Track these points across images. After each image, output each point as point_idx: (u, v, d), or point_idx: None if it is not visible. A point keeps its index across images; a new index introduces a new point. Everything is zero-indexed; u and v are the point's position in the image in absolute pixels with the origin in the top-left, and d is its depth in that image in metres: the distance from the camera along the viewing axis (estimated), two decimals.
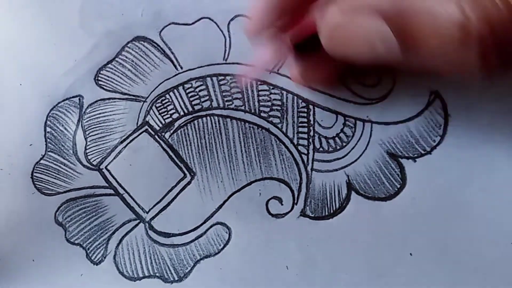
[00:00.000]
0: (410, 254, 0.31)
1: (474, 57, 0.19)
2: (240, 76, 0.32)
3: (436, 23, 0.19)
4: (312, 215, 0.32)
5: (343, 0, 0.22)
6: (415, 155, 0.31)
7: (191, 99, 0.33)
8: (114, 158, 0.33)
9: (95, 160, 0.33)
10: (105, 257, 0.33)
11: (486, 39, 0.18)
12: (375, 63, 0.23)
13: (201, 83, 0.33)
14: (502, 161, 0.31)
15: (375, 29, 0.21)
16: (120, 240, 0.33)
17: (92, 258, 0.33)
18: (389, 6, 0.20)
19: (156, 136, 0.33)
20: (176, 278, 0.32)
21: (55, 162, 0.33)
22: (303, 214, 0.32)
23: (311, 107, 0.32)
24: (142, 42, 0.33)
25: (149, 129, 0.33)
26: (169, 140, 0.33)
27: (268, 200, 0.32)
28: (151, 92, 0.33)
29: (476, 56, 0.19)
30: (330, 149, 0.32)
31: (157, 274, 0.32)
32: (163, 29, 0.33)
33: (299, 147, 0.32)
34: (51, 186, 0.33)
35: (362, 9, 0.21)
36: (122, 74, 0.33)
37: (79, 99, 0.34)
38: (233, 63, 0.33)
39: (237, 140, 0.33)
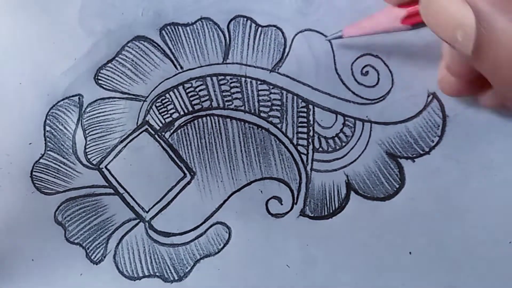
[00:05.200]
0: (410, 253, 0.31)
1: None
2: (347, 29, 0.31)
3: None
4: (312, 215, 0.32)
5: None
6: (414, 155, 0.32)
7: (191, 98, 0.33)
8: (114, 157, 0.33)
9: (95, 159, 0.33)
10: (104, 257, 0.33)
11: None
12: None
13: (201, 83, 0.33)
14: (499, 161, 0.31)
15: (463, 16, 0.21)
16: (120, 240, 0.33)
17: (92, 257, 0.33)
18: (485, 7, 0.20)
19: (156, 136, 0.33)
20: (176, 278, 0.32)
21: (54, 161, 0.33)
22: (302, 213, 0.32)
23: (310, 107, 0.32)
24: (142, 42, 0.33)
25: (149, 129, 0.33)
26: (169, 139, 0.33)
27: (268, 200, 0.32)
28: (151, 92, 0.33)
29: None
30: (330, 149, 0.32)
31: (157, 274, 0.32)
32: (163, 28, 0.33)
33: (299, 147, 0.32)
34: (50, 185, 0.33)
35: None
36: (122, 74, 0.33)
37: (79, 98, 0.33)
38: (233, 63, 0.33)
39: (237, 140, 0.33)
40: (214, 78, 0.33)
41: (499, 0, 0.20)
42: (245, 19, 0.33)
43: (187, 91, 0.33)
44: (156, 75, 0.33)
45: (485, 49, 0.21)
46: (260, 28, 0.33)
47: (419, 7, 0.25)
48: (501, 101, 0.28)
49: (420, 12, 0.25)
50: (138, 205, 0.33)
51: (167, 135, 0.33)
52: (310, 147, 0.32)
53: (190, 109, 0.33)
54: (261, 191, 0.32)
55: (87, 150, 0.33)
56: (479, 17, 0.21)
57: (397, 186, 0.32)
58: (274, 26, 0.33)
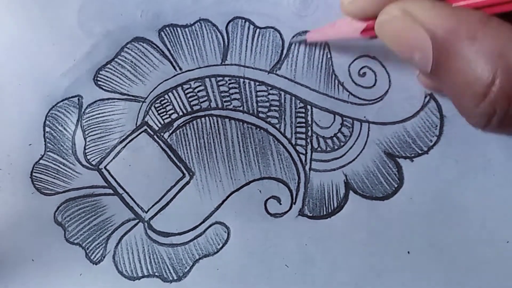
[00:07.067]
0: (408, 252, 0.31)
1: (479, 115, 0.21)
2: (310, 33, 0.32)
3: (467, 72, 0.20)
4: (311, 215, 0.32)
5: (409, 3, 0.23)
6: (412, 155, 0.32)
7: (190, 99, 0.33)
8: (113, 158, 0.33)
9: (94, 160, 0.33)
10: (104, 257, 0.33)
11: (497, 108, 0.20)
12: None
13: (200, 84, 0.33)
14: (497, 160, 0.31)
15: (420, 41, 0.22)
16: (119, 240, 0.33)
17: (92, 257, 0.33)
18: (441, 33, 0.21)
19: (155, 136, 0.33)
20: (175, 278, 0.32)
21: (54, 162, 0.33)
22: (301, 213, 0.32)
23: (309, 107, 0.32)
24: (141, 43, 0.34)
25: (148, 129, 0.33)
26: (168, 140, 0.33)
27: (267, 200, 0.32)
28: (150, 93, 0.33)
29: (481, 116, 0.21)
30: (328, 149, 0.32)
31: (156, 274, 0.32)
32: (162, 30, 0.34)
33: (297, 147, 0.32)
34: (50, 186, 0.33)
35: (419, 21, 0.22)
36: (121, 75, 0.33)
37: (78, 99, 0.34)
38: (231, 65, 0.33)
39: (235, 140, 0.33)
40: (213, 79, 0.33)
41: (455, 28, 0.20)
42: (243, 20, 0.33)
43: (186, 92, 0.33)
44: (155, 76, 0.33)
45: (442, 72, 0.22)
46: (258, 30, 0.33)
47: (374, 26, 0.25)
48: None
49: (375, 32, 0.25)
50: (137, 205, 0.33)
51: (166, 135, 0.33)
52: (309, 147, 0.32)
53: (189, 109, 0.33)
54: (260, 191, 0.32)
55: (86, 151, 0.33)
56: (436, 43, 0.21)
57: (396, 185, 0.32)
58: (272, 27, 0.33)
